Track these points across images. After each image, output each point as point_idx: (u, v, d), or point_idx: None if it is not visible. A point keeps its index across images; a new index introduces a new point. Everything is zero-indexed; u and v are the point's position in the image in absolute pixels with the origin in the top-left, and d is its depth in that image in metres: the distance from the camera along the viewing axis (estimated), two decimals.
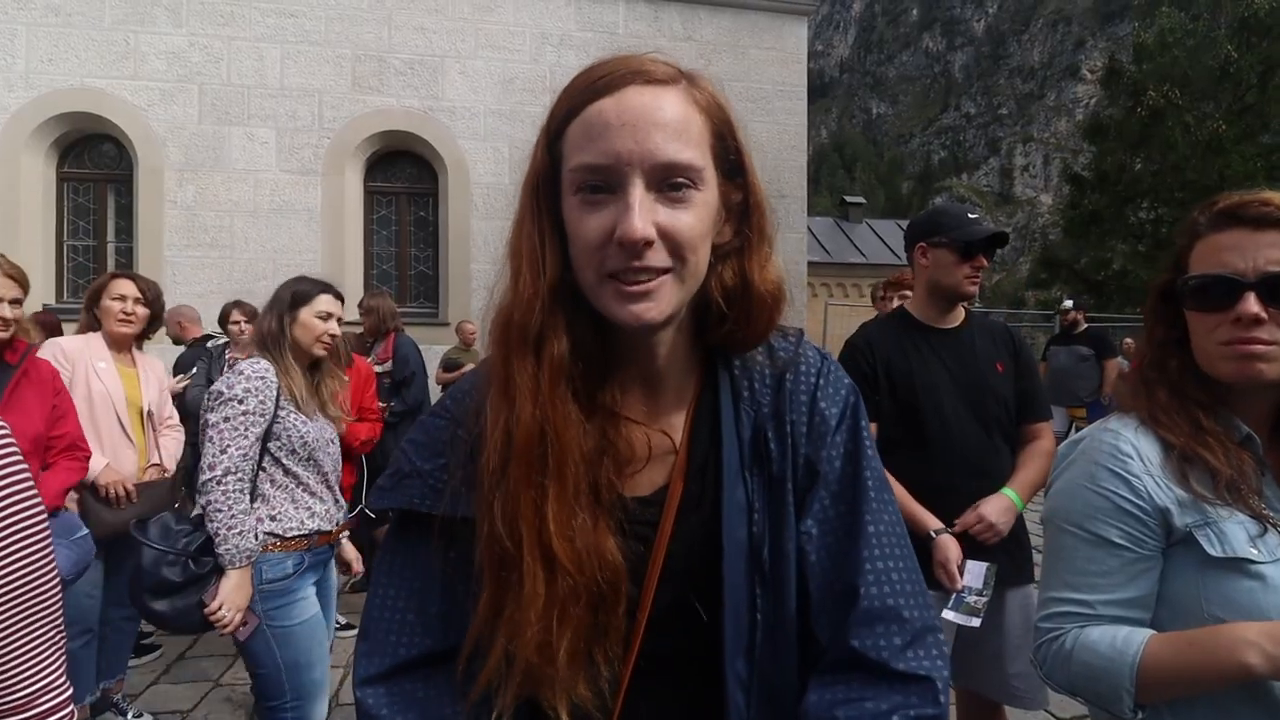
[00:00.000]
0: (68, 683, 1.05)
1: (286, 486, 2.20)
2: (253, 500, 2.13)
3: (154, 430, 3.19)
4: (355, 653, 0.79)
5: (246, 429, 2.08)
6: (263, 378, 2.14)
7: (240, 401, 2.09)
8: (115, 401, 2.98)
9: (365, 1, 8.19)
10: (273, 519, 2.15)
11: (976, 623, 1.94)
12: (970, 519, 2.01)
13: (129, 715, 3.15)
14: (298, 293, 2.30)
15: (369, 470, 4.03)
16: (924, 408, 2.09)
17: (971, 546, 2.00)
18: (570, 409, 0.70)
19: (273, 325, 2.25)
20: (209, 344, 4.67)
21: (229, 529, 2.02)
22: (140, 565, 2.05)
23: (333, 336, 2.33)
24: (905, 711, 0.69)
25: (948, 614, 1.95)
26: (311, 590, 2.25)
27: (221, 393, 2.10)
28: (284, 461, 2.18)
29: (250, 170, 7.92)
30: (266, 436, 2.15)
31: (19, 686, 0.98)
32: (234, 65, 7.89)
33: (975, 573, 1.98)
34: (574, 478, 0.69)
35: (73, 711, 1.09)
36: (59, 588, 1.05)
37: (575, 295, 0.72)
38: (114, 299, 3.02)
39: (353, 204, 8.34)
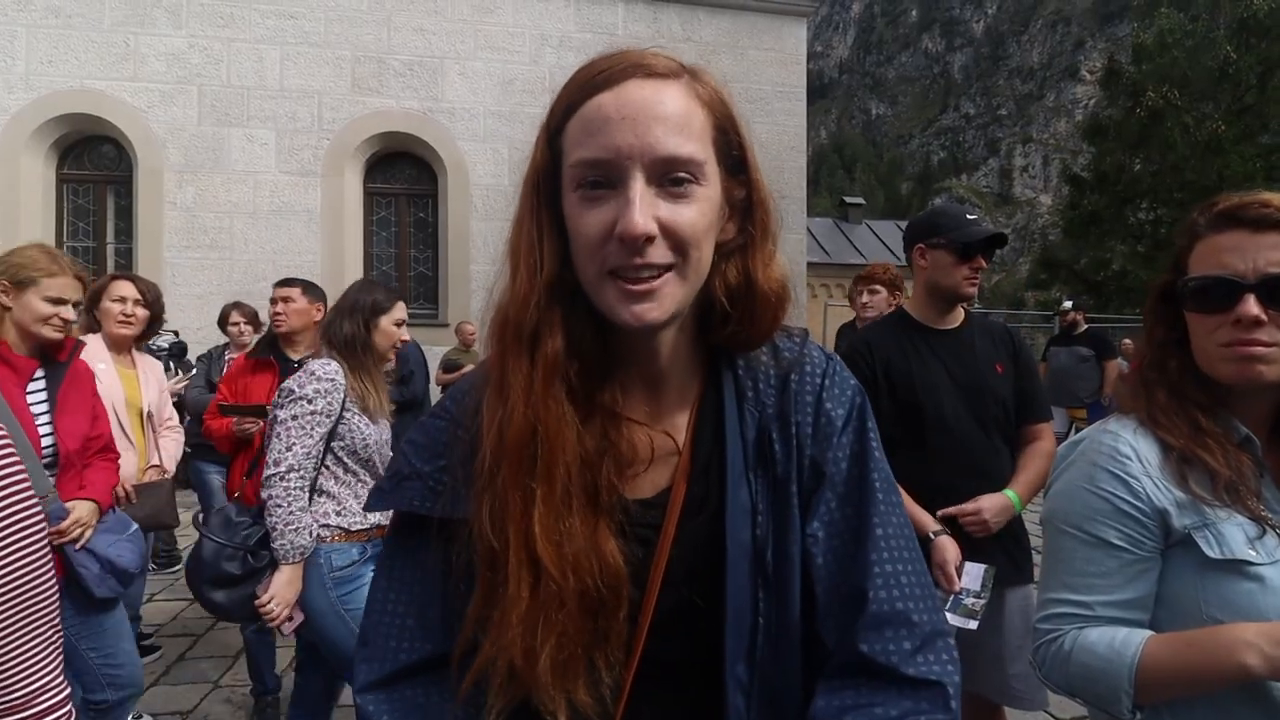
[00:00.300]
0: (65, 683, 1.05)
1: (349, 484, 2.28)
2: (318, 495, 2.23)
3: (154, 431, 3.19)
4: (355, 659, 0.78)
5: (313, 428, 2.16)
6: (333, 379, 2.22)
7: (309, 401, 2.16)
8: (115, 403, 2.98)
9: (365, 3, 8.20)
10: (339, 514, 2.24)
11: (974, 625, 1.95)
12: (968, 508, 2.02)
13: (128, 716, 3.15)
14: (378, 301, 2.39)
15: None
16: (924, 408, 2.09)
17: (970, 548, 2.01)
18: (565, 409, 0.69)
19: (358, 330, 2.33)
20: (150, 342, 4.70)
21: (286, 525, 2.10)
22: (201, 556, 2.14)
23: (404, 342, 2.44)
24: (916, 718, 0.67)
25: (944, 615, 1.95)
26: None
27: (292, 391, 2.18)
28: (345, 460, 2.26)
29: (250, 172, 7.93)
30: (330, 436, 2.23)
31: (17, 686, 0.98)
32: (233, 67, 7.89)
33: (973, 575, 1.98)
34: (564, 480, 0.68)
35: (70, 711, 1.09)
36: (55, 589, 1.05)
37: (574, 293, 0.71)
38: (114, 301, 3.03)
39: (352, 205, 8.35)
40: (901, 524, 0.75)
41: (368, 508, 0.84)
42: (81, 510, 2.15)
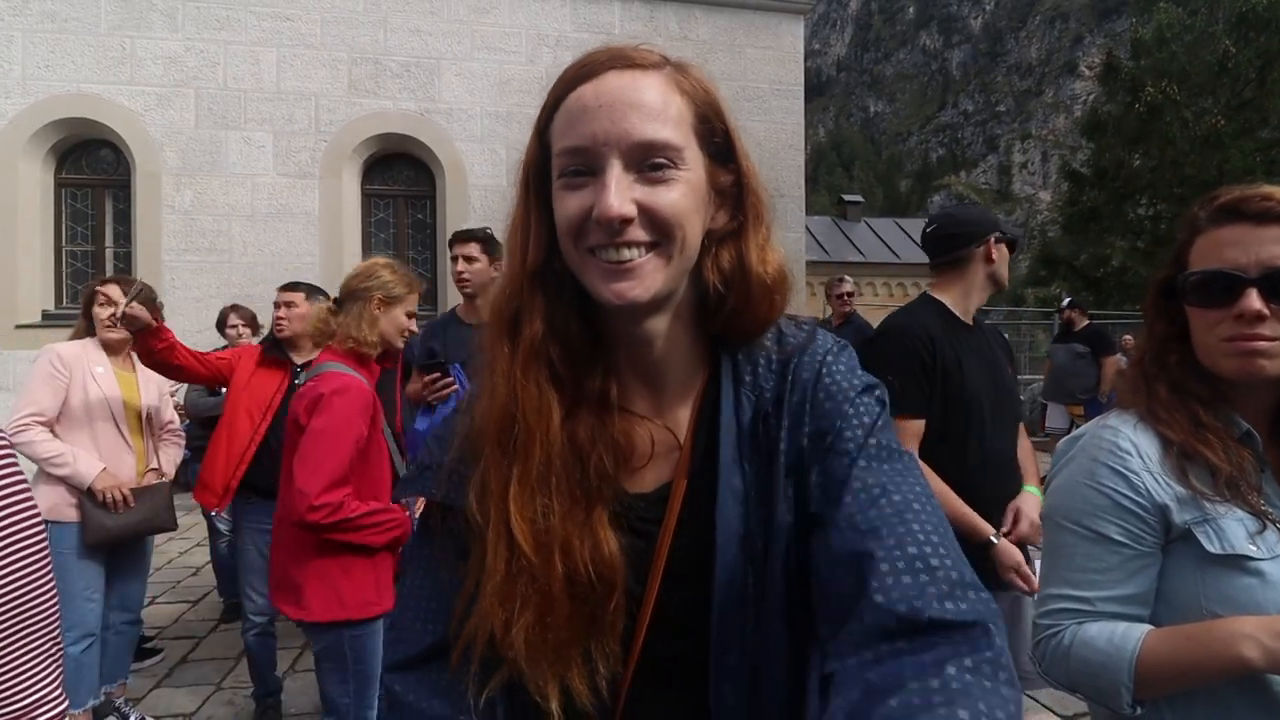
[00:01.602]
0: (64, 694, 1.05)
1: None
2: None
3: (152, 435, 3.19)
4: (385, 640, 0.81)
5: None
6: None
7: None
8: (113, 406, 2.98)
9: (361, 4, 8.19)
10: None
11: None
12: (1024, 528, 1.99)
13: (130, 719, 3.15)
14: None
15: None
16: (969, 407, 2.04)
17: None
18: (545, 391, 0.71)
19: None
20: None
21: None
22: None
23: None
24: (959, 660, 0.54)
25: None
26: None
27: None
28: None
29: (247, 174, 7.92)
30: None
31: (17, 697, 0.98)
32: (230, 69, 7.89)
33: None
34: (541, 460, 0.69)
35: None
36: (56, 599, 1.05)
37: (561, 281, 0.72)
38: (100, 305, 3.03)
39: (350, 207, 8.34)
40: (921, 494, 0.67)
41: (393, 497, 0.87)
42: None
